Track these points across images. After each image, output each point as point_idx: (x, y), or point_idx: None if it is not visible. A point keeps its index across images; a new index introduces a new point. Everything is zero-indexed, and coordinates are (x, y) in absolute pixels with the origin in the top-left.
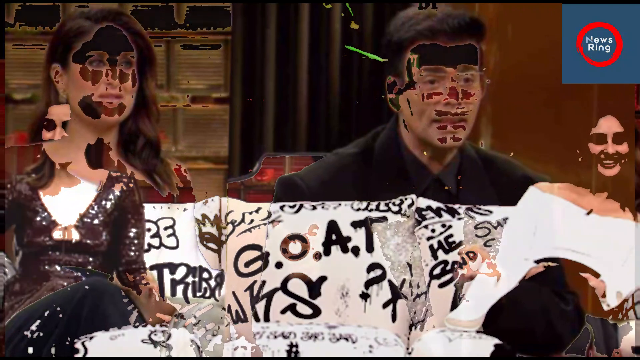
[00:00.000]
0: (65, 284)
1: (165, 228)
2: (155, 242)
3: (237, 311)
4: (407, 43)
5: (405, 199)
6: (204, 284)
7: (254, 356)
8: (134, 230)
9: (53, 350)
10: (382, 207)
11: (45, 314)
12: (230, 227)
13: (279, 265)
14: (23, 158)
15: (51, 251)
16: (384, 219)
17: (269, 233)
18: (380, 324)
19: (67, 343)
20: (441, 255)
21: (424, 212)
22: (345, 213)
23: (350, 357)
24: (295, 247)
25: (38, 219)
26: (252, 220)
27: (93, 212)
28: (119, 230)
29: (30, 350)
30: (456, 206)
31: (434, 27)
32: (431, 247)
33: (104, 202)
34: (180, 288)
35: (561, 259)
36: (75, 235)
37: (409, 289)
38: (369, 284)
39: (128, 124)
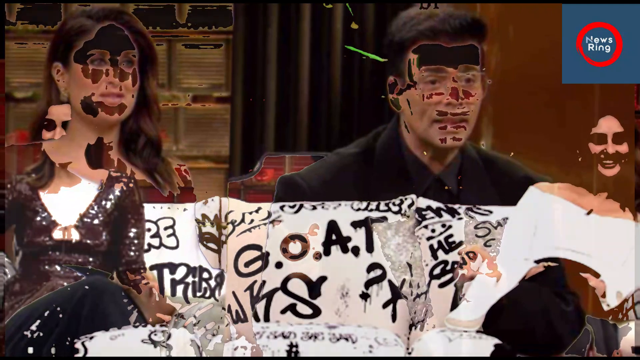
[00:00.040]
0: (65, 283)
1: (166, 228)
2: (155, 242)
3: (237, 311)
4: (409, 43)
5: (405, 199)
6: (204, 284)
7: (254, 356)
8: (134, 230)
9: (53, 350)
10: (382, 207)
11: (45, 313)
12: (230, 227)
13: (279, 265)
14: (23, 157)
15: (51, 251)
16: (384, 219)
17: (269, 233)
18: (380, 324)
19: (67, 342)
20: (441, 255)
21: (424, 212)
22: (345, 213)
23: (350, 357)
24: (295, 247)
25: (38, 219)
26: (252, 220)
27: (93, 212)
28: (119, 230)
29: (30, 349)
30: (456, 206)
31: (436, 27)
32: (431, 247)
33: (104, 202)
34: (180, 288)
35: (561, 259)
36: (75, 235)
37: (409, 289)
38: (369, 284)
39: (129, 123)
